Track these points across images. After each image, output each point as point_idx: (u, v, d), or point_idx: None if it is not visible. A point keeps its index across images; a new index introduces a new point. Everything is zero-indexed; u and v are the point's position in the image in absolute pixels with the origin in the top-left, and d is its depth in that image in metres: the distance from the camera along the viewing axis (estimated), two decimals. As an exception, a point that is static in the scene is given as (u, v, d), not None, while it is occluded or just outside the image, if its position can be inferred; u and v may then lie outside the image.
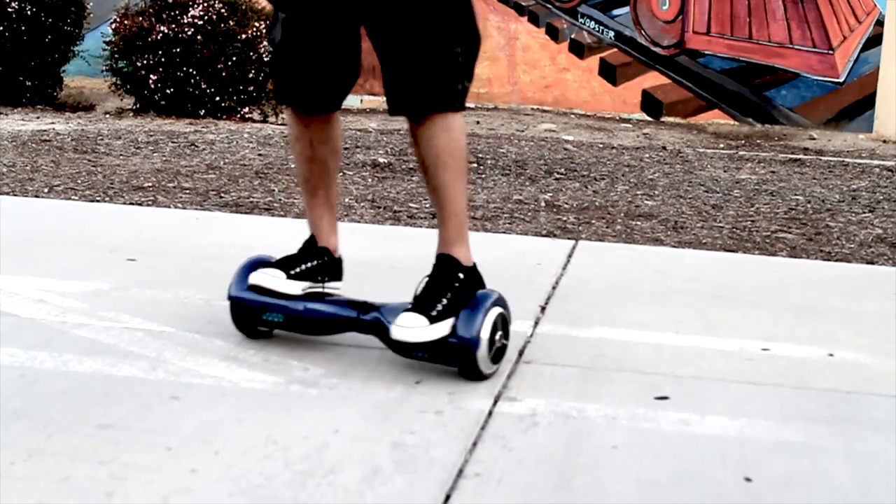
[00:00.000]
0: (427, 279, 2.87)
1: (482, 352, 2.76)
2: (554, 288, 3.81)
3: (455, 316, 2.77)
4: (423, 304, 2.77)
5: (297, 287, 2.97)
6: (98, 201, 5.31)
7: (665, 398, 2.77)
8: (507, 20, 12.75)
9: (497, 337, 2.82)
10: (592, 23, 12.59)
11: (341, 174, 6.37)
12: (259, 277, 2.95)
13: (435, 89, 2.84)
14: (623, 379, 2.91)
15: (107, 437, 2.39)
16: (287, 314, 2.95)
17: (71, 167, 6.24)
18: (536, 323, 3.38)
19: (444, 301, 2.79)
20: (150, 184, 5.82)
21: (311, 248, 3.09)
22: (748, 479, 2.31)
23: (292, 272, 2.98)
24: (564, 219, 5.41)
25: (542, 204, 5.81)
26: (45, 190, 5.54)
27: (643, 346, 3.20)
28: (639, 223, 5.40)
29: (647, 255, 4.56)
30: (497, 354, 2.84)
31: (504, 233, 4.99)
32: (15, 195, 5.35)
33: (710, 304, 3.71)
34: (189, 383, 2.73)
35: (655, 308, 3.63)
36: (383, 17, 2.84)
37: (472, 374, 2.79)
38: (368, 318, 2.88)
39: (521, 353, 3.07)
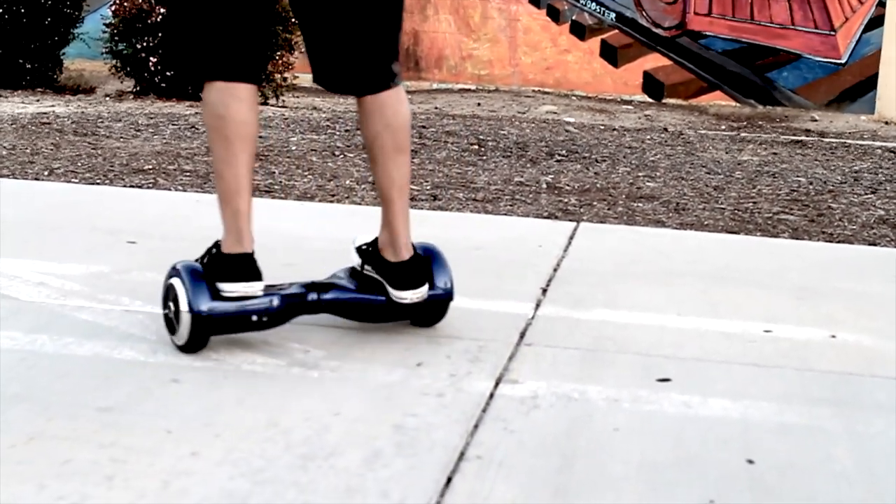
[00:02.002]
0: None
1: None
2: (555, 270, 3.80)
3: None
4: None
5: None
6: (98, 184, 5.29)
7: (667, 380, 2.77)
8: (508, 2, 12.71)
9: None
10: (593, 4, 12.55)
11: (342, 156, 6.36)
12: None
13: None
14: (625, 361, 2.91)
15: (107, 420, 2.39)
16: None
17: (71, 150, 6.23)
18: (538, 305, 3.38)
19: None
20: (150, 166, 5.81)
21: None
22: (750, 461, 2.31)
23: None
24: (566, 201, 5.40)
25: (544, 186, 5.80)
26: (46, 173, 5.53)
27: (645, 328, 3.20)
28: (640, 205, 5.38)
29: (649, 236, 4.55)
30: None
31: (505, 215, 4.98)
32: (15, 178, 5.34)
33: (711, 285, 3.70)
34: (189, 366, 2.72)
35: (657, 290, 3.62)
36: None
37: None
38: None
39: (522, 336, 3.06)
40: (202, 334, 2.76)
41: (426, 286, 2.93)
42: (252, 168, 2.87)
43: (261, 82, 2.96)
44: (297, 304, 2.88)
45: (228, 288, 2.76)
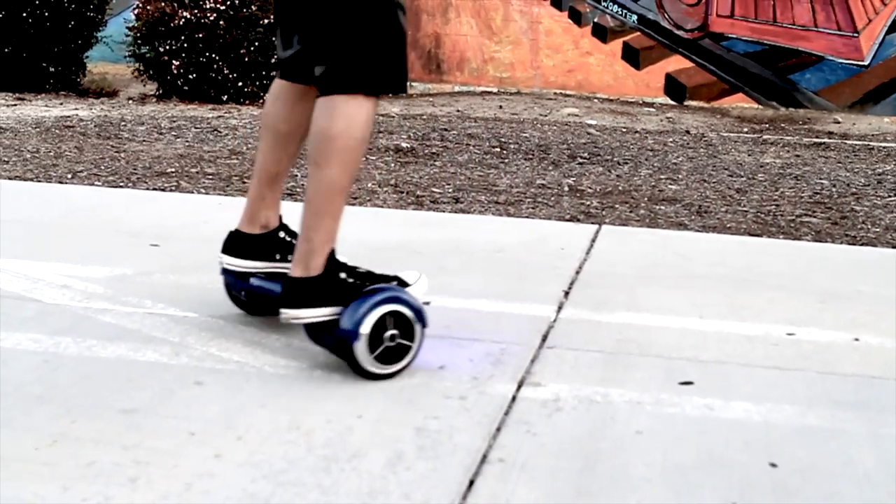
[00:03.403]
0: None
1: None
2: (577, 273, 3.80)
3: None
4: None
5: None
6: (121, 187, 5.31)
7: (689, 383, 2.76)
8: (530, 4, 12.70)
9: None
10: (615, 6, 12.53)
11: (364, 159, 6.37)
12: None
13: None
14: (647, 364, 2.90)
15: (130, 422, 2.39)
16: None
17: (94, 153, 6.26)
18: (560, 308, 3.37)
19: None
20: (173, 169, 5.83)
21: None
22: (773, 465, 2.30)
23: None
24: (588, 203, 5.39)
25: (566, 188, 5.79)
26: (69, 176, 5.55)
27: (667, 330, 3.19)
28: (662, 207, 5.37)
29: (671, 239, 4.54)
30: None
31: (527, 217, 4.98)
32: (39, 181, 5.36)
33: (734, 288, 3.69)
34: (212, 368, 2.73)
35: (679, 293, 3.61)
36: None
37: None
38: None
39: (544, 338, 3.06)
40: None
41: (300, 310, 2.71)
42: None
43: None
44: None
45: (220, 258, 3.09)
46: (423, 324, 2.73)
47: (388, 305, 2.67)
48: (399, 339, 2.69)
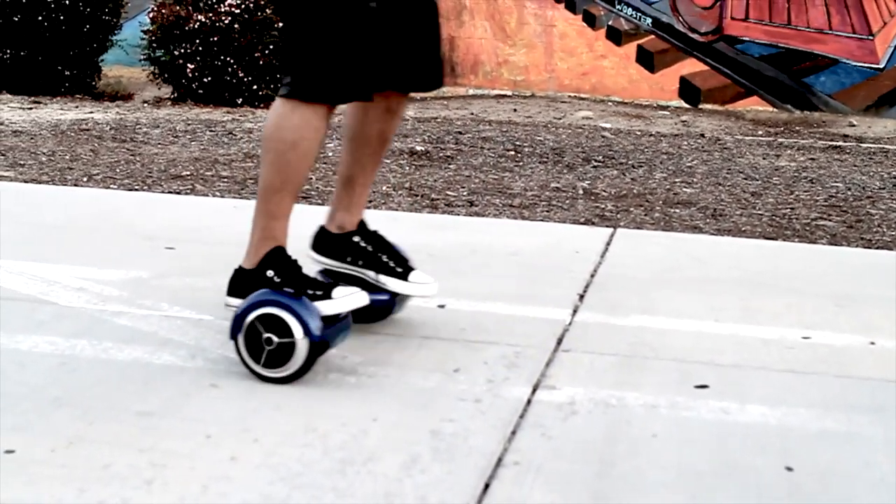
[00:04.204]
0: (383, 242, 3.05)
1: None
2: (592, 276, 3.80)
3: None
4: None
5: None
6: (137, 190, 5.33)
7: (705, 386, 2.76)
8: (544, 7, 12.70)
9: None
10: (630, 9, 12.52)
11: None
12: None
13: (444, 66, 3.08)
14: (662, 367, 2.90)
15: (147, 424, 2.40)
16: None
17: (110, 156, 6.27)
18: (575, 311, 3.37)
19: None
20: (188, 172, 5.84)
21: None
22: (789, 468, 2.30)
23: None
24: (602, 206, 5.39)
25: (580, 192, 5.79)
26: (85, 179, 5.57)
27: (682, 334, 3.19)
28: (677, 211, 5.37)
29: (686, 242, 4.54)
30: None
31: (542, 221, 4.98)
32: (55, 184, 5.38)
33: (749, 292, 3.69)
34: (228, 371, 2.74)
35: (694, 296, 3.61)
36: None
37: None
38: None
39: (559, 342, 3.06)
40: None
41: (229, 298, 2.84)
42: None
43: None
44: None
45: None
46: (307, 331, 2.66)
47: (261, 310, 2.68)
48: (278, 340, 2.67)
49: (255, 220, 2.84)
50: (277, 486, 2.13)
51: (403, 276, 3.00)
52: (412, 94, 3.12)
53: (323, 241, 3.10)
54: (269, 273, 2.78)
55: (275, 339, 2.65)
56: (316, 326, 2.65)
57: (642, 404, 2.63)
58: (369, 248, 3.03)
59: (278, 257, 2.80)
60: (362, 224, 3.09)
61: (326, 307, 2.73)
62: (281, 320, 2.65)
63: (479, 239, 4.24)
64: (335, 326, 2.74)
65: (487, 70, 12.81)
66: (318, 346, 2.67)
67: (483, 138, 7.72)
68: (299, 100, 2.75)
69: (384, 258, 3.02)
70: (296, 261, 2.81)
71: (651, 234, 4.73)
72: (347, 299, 2.78)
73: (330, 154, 6.58)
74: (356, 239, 3.07)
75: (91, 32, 10.13)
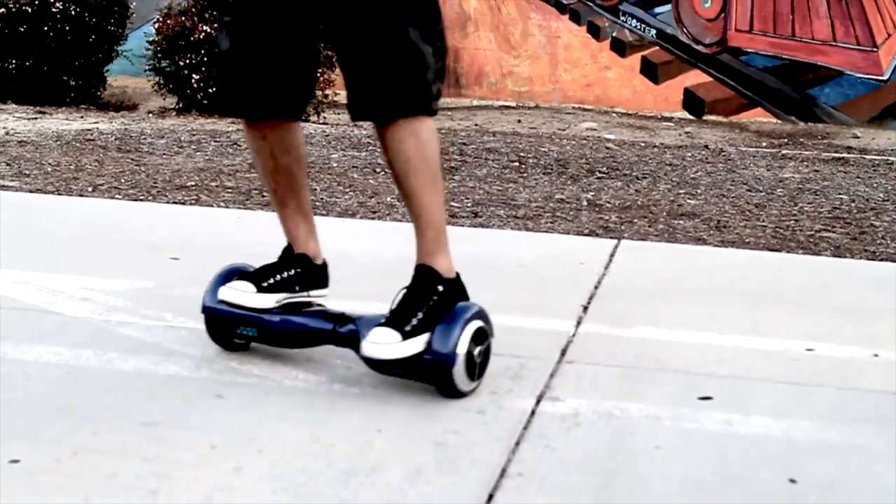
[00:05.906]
0: (404, 291, 2.70)
1: (458, 369, 2.61)
2: (596, 287, 3.80)
3: (431, 331, 2.61)
4: (397, 318, 2.61)
5: (268, 300, 2.82)
6: (141, 200, 5.34)
7: (708, 398, 2.76)
8: (549, 18, 12.73)
9: (476, 352, 2.66)
10: (634, 21, 12.54)
11: (383, 173, 6.38)
12: (227, 293, 2.83)
13: (402, 91, 2.64)
14: (666, 379, 2.90)
15: (151, 434, 2.40)
16: (260, 327, 2.83)
17: (114, 166, 6.29)
18: (579, 322, 3.38)
19: (420, 315, 2.62)
20: (193, 183, 5.85)
21: (288, 257, 2.94)
22: (793, 481, 2.30)
23: (264, 284, 2.83)
24: (606, 218, 5.39)
25: (584, 203, 5.79)
26: (90, 189, 5.58)
27: (686, 345, 3.19)
28: (681, 222, 5.37)
29: (690, 254, 4.54)
30: (477, 370, 2.69)
31: (546, 232, 4.98)
32: (59, 194, 5.39)
33: (753, 303, 3.69)
34: (233, 381, 2.74)
35: (698, 308, 3.61)
36: (343, 17, 2.65)
37: (449, 391, 2.64)
38: (344, 331, 2.73)
39: (563, 353, 3.07)
40: None
41: None
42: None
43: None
44: None
45: None
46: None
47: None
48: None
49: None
50: (282, 496, 2.14)
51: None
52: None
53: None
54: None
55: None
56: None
57: (646, 416, 2.63)
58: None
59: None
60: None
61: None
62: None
63: (484, 250, 4.25)
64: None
65: (492, 81, 12.83)
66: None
67: (487, 149, 7.72)
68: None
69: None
70: None
71: (655, 246, 4.73)
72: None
73: (334, 165, 6.59)
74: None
75: (96, 43, 10.17)
